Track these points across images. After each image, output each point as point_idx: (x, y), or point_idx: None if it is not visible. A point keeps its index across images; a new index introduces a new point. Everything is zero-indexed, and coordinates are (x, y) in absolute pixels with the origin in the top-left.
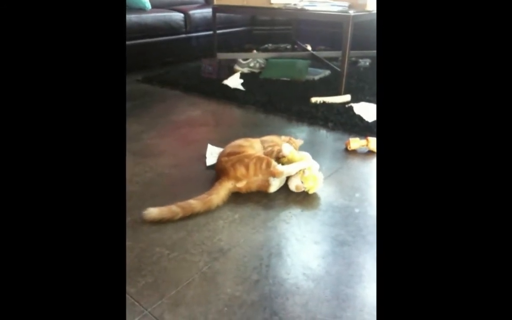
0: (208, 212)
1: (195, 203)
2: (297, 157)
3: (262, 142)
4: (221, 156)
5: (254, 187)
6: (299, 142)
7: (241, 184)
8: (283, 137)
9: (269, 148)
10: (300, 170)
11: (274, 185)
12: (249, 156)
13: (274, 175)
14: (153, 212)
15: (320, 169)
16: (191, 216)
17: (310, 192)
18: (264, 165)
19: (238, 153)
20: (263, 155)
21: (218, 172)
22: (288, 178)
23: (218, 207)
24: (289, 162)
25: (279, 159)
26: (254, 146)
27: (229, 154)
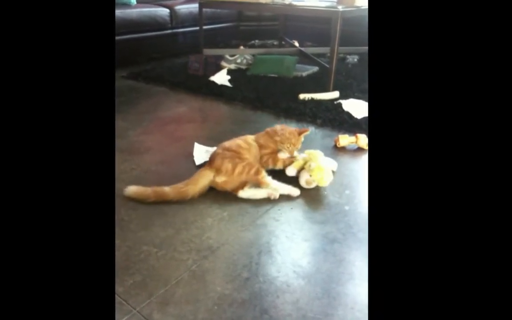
0: (181, 201)
1: (168, 191)
2: (314, 155)
3: (261, 147)
4: (219, 147)
5: (229, 187)
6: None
7: (219, 179)
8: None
9: (265, 157)
10: (306, 164)
11: (246, 192)
12: (241, 159)
13: (260, 184)
14: (131, 189)
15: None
16: (175, 209)
17: (321, 184)
18: (253, 172)
19: (235, 152)
20: (254, 164)
21: (209, 160)
22: (298, 175)
23: (193, 198)
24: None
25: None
26: (251, 150)
27: (227, 149)
